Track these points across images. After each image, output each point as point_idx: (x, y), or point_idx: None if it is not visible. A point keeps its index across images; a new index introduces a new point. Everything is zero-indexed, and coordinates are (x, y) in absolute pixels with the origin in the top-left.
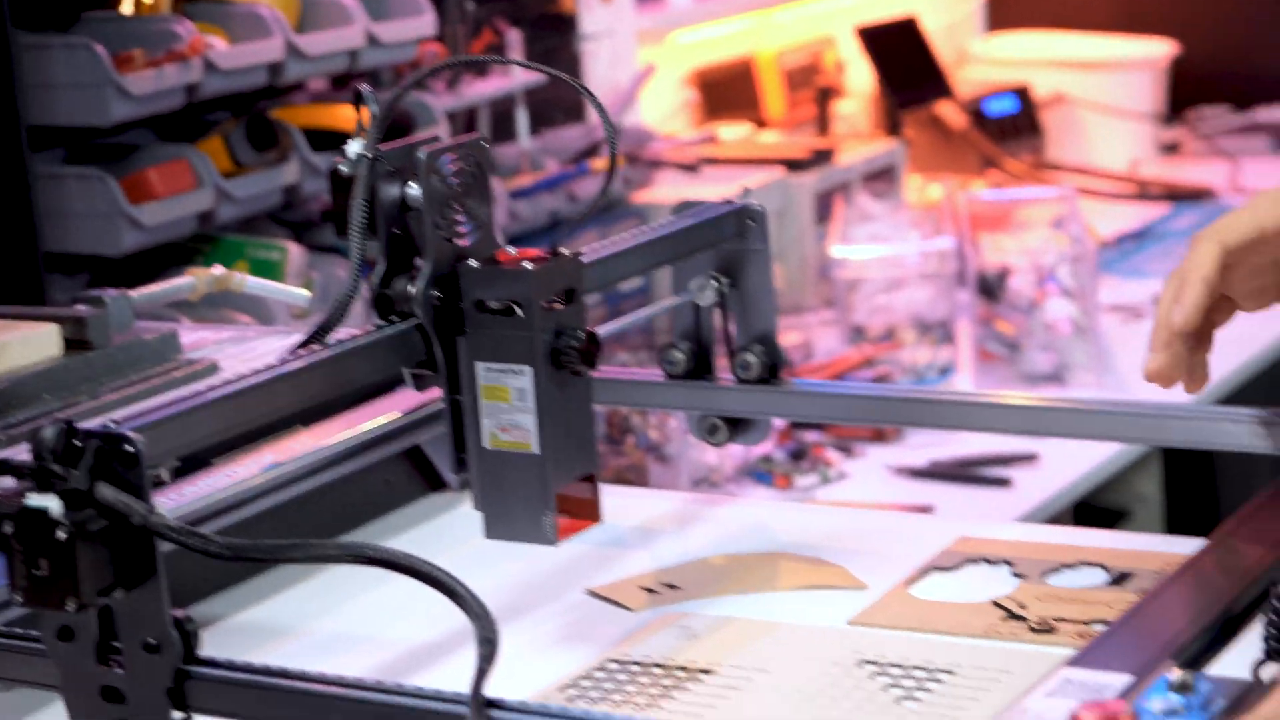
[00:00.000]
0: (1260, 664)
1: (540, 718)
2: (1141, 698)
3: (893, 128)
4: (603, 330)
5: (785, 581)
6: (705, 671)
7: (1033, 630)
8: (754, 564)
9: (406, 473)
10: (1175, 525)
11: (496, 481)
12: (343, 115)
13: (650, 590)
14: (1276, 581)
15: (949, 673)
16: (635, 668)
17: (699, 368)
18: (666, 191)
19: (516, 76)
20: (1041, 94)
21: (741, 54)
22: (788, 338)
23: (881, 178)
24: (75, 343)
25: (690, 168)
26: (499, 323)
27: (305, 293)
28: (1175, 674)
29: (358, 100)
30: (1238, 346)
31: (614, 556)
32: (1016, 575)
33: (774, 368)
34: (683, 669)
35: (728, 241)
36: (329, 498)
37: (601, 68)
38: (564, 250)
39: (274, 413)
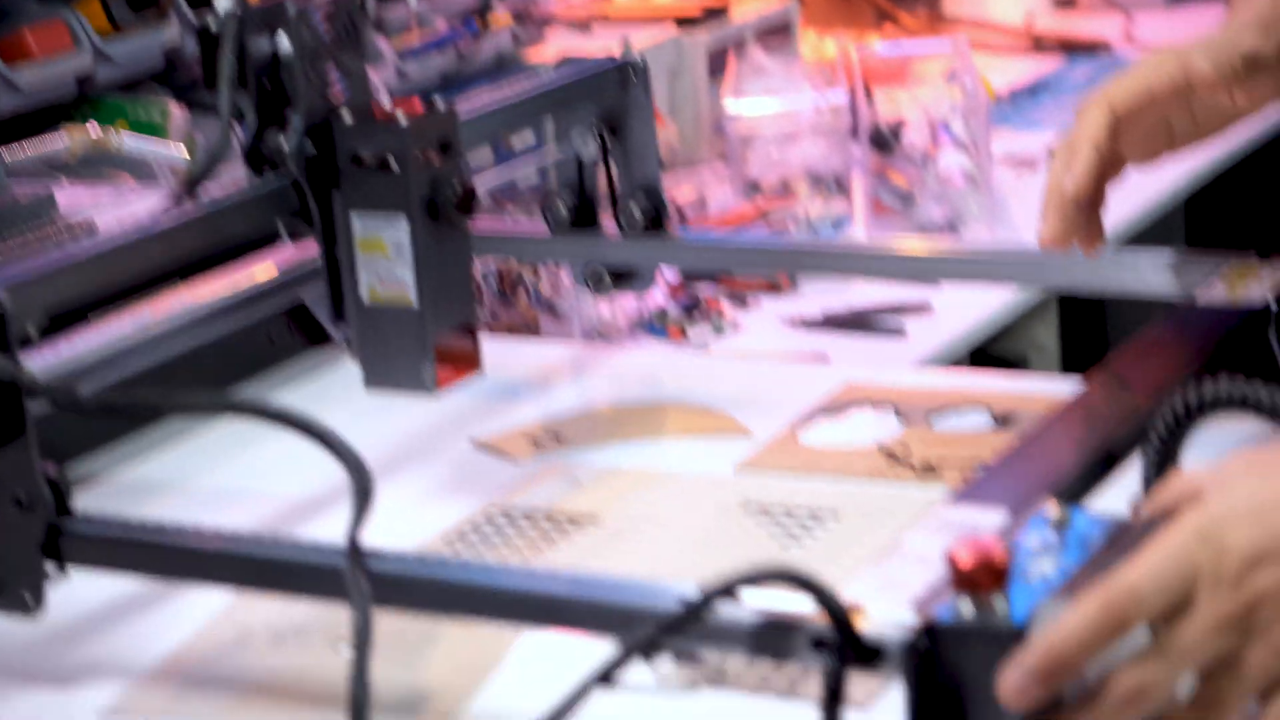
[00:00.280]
0: (1138, 501)
1: (415, 566)
2: (1019, 534)
3: None
4: (481, 183)
5: (672, 430)
6: (590, 520)
7: (917, 472)
8: (641, 413)
9: (291, 329)
10: (1071, 374)
11: (375, 333)
12: None
13: (536, 441)
14: (1156, 419)
15: (834, 516)
16: (520, 517)
17: (583, 219)
18: (558, 49)
19: None
20: None
21: None
22: (681, 192)
23: (776, 34)
24: None
25: (582, 25)
26: (374, 176)
27: (185, 153)
28: (1053, 511)
29: None
30: (1129, 194)
31: (501, 408)
32: (902, 419)
33: (657, 218)
34: (568, 518)
35: (610, 95)
36: (212, 355)
37: None
38: (439, 103)
39: (148, 270)
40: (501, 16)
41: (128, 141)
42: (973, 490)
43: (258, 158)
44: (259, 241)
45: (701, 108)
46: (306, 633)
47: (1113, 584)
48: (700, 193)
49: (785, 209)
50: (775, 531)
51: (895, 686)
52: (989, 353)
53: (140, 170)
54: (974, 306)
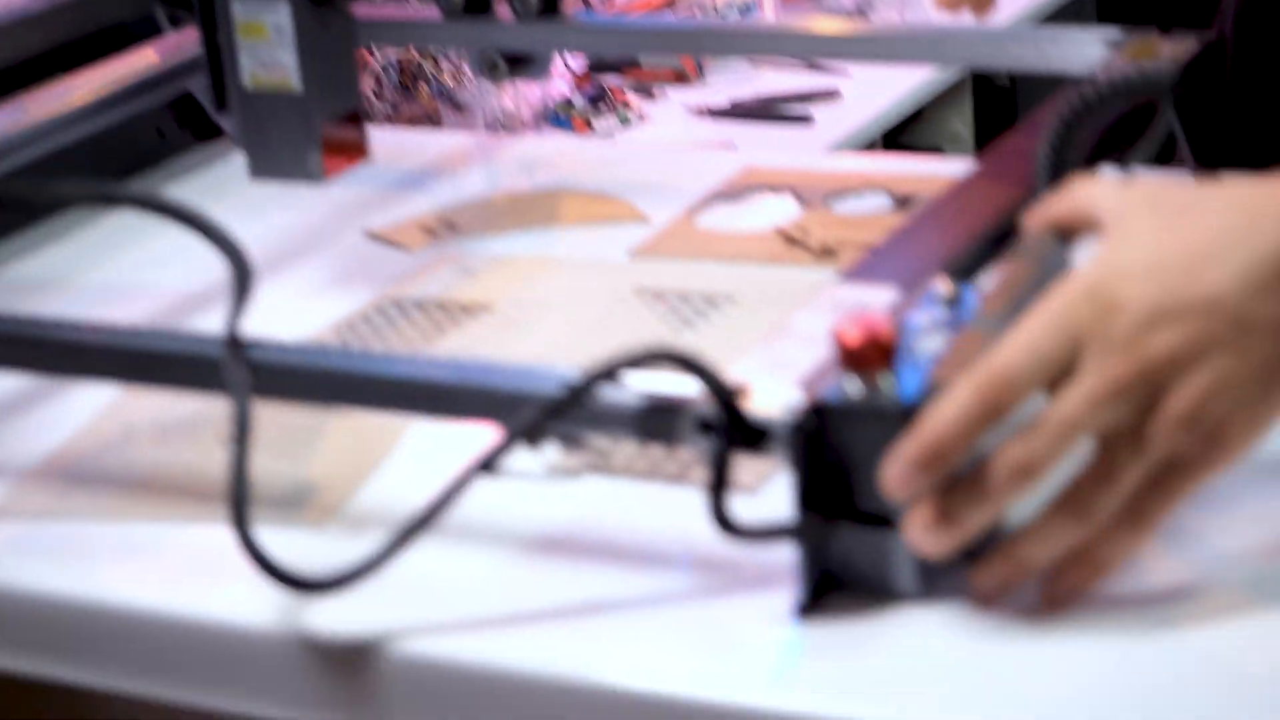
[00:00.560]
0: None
1: (295, 356)
2: (908, 312)
3: None
4: None
5: (567, 217)
6: (483, 309)
7: (814, 255)
8: (537, 201)
9: (179, 122)
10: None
11: (259, 121)
12: None
13: (430, 230)
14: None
15: (729, 299)
16: (412, 307)
17: (475, 4)
18: None
19: None
20: None
21: None
22: None
23: None
24: None
25: None
26: None
27: None
28: (944, 288)
29: None
30: None
31: (395, 198)
32: (801, 203)
33: (553, 1)
34: (460, 307)
35: None
36: (98, 150)
37: None
38: None
39: (17, 57)
40: None
41: None
42: (863, 269)
43: None
44: (140, 31)
45: None
46: (193, 428)
47: (986, 362)
48: None
49: None
50: (670, 317)
51: (784, 471)
52: (904, 145)
53: None
54: (882, 94)
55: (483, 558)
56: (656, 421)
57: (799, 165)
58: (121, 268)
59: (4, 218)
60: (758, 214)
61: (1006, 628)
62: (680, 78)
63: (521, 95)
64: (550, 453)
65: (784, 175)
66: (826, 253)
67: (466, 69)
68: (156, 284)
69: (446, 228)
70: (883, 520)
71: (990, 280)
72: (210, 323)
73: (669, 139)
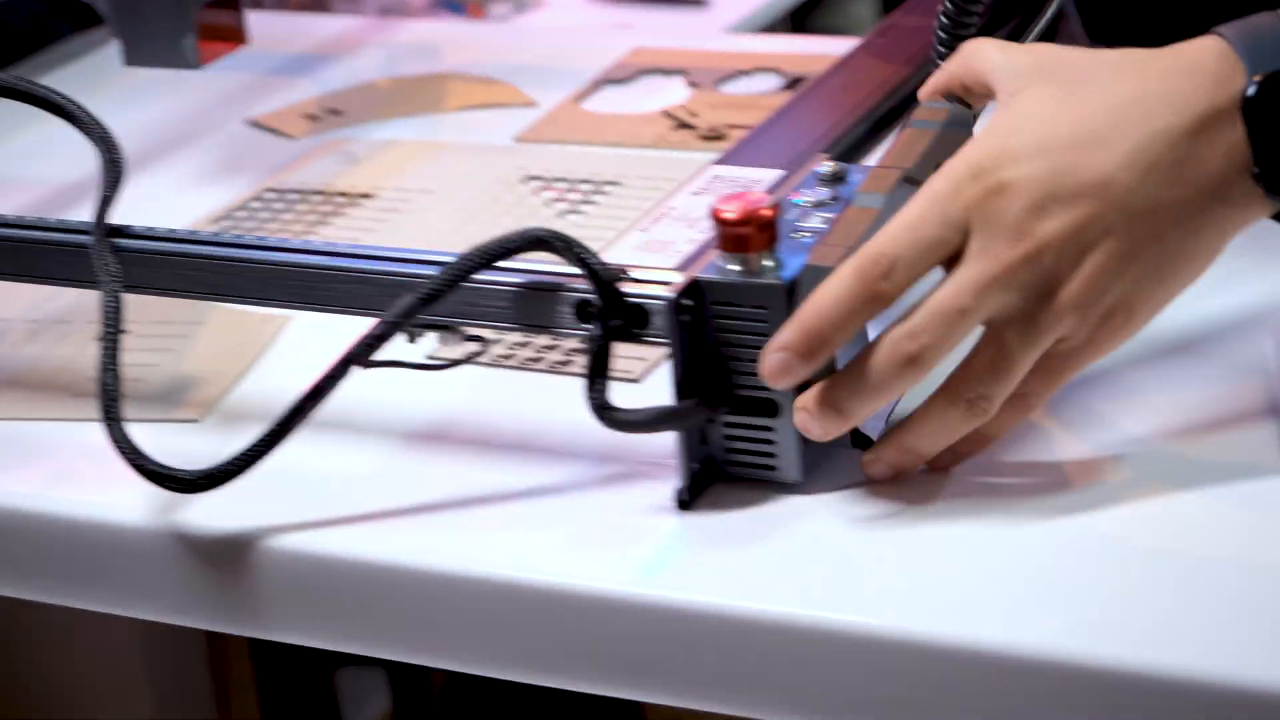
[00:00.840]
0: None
1: (166, 244)
2: (792, 190)
3: None
4: None
5: (452, 102)
6: (365, 196)
7: (702, 138)
8: (420, 85)
9: (57, 10)
10: None
11: (133, 6)
12: None
13: (312, 117)
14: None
15: (615, 184)
16: (293, 195)
17: None
18: None
19: None
20: None
21: None
22: None
23: None
24: None
25: None
26: None
27: None
28: (827, 167)
29: None
30: None
31: (277, 85)
32: (691, 84)
33: None
34: (342, 194)
35: None
36: None
37: None
38: None
39: None
40: None
41: None
42: (743, 149)
43: None
44: None
45: None
46: (67, 323)
47: (867, 246)
48: None
49: None
50: (555, 201)
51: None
52: (808, 30)
53: None
54: None
55: (362, 451)
56: (534, 307)
57: (689, 46)
58: None
59: None
60: (646, 97)
61: (893, 516)
62: None
63: None
64: (430, 343)
65: (674, 56)
66: (715, 136)
67: None
68: (30, 176)
69: (330, 114)
70: (766, 407)
71: (882, 152)
72: (85, 216)
73: (563, 23)
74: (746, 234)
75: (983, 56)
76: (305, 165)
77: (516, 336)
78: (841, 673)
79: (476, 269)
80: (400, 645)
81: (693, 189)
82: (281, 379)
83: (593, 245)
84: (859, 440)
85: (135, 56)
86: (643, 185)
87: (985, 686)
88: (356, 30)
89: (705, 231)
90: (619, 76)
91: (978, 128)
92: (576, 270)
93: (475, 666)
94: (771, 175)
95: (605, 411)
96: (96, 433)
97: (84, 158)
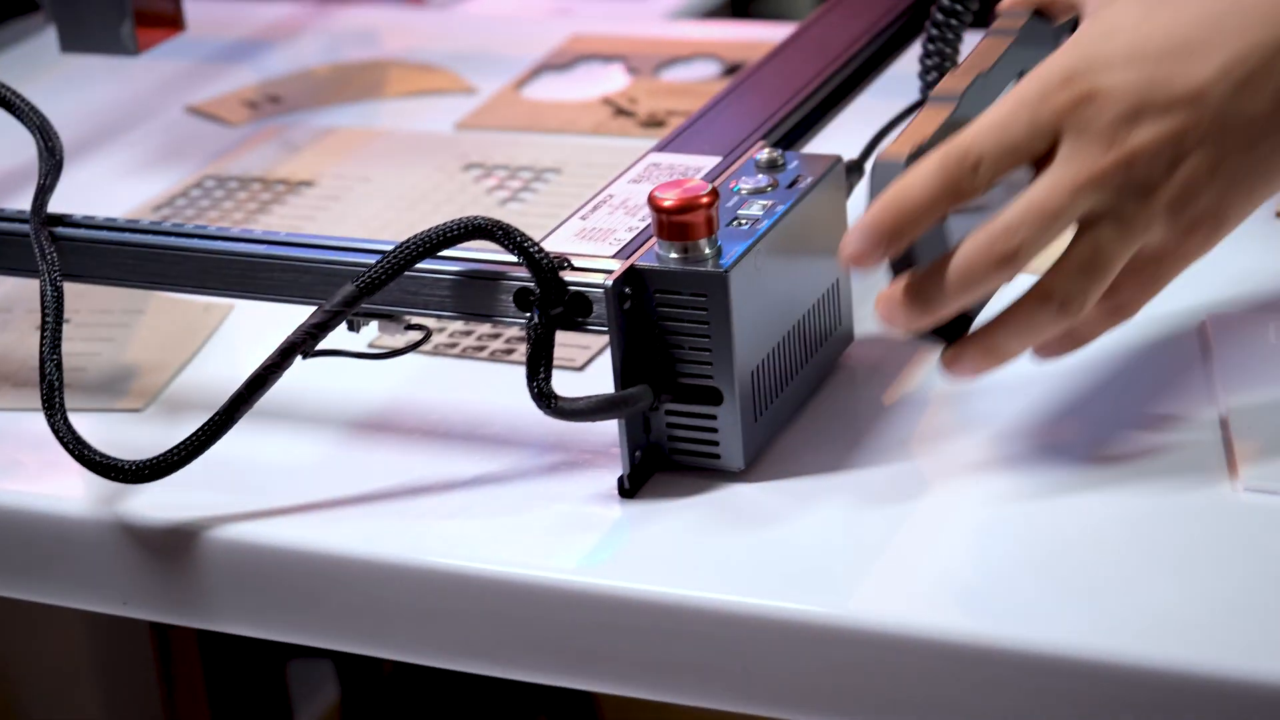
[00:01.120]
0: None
1: (105, 232)
2: (731, 177)
3: None
4: None
5: (392, 88)
6: (305, 183)
7: (642, 124)
8: (359, 72)
9: None
10: None
11: None
12: None
13: (252, 104)
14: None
15: (555, 171)
16: (233, 183)
17: None
18: None
19: None
20: None
21: None
22: None
23: None
24: None
25: None
26: None
27: None
28: (765, 153)
29: None
30: None
31: (215, 71)
32: (630, 71)
33: None
34: (282, 181)
35: None
36: None
37: None
38: None
39: None
40: None
41: None
42: (683, 136)
43: None
44: None
45: None
46: (7, 311)
47: (954, 141)
48: None
49: None
50: (495, 190)
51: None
52: (749, 15)
53: None
54: None
55: (306, 440)
56: (476, 295)
57: (628, 33)
58: None
59: None
60: (585, 83)
61: (837, 503)
62: None
63: None
64: (372, 331)
65: (613, 43)
66: (654, 122)
67: None
68: None
69: (269, 101)
70: (708, 395)
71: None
72: (24, 205)
73: (503, 9)
74: (686, 221)
75: None
76: (245, 152)
77: (459, 325)
78: (786, 660)
79: (418, 258)
80: (347, 636)
81: (631, 176)
82: (223, 368)
83: (533, 233)
84: (941, 333)
85: (72, 43)
86: (583, 172)
87: (929, 672)
88: (295, 16)
89: (645, 219)
90: (558, 63)
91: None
92: (517, 259)
93: (422, 657)
94: (710, 162)
95: (547, 400)
96: (39, 422)
97: (21, 146)
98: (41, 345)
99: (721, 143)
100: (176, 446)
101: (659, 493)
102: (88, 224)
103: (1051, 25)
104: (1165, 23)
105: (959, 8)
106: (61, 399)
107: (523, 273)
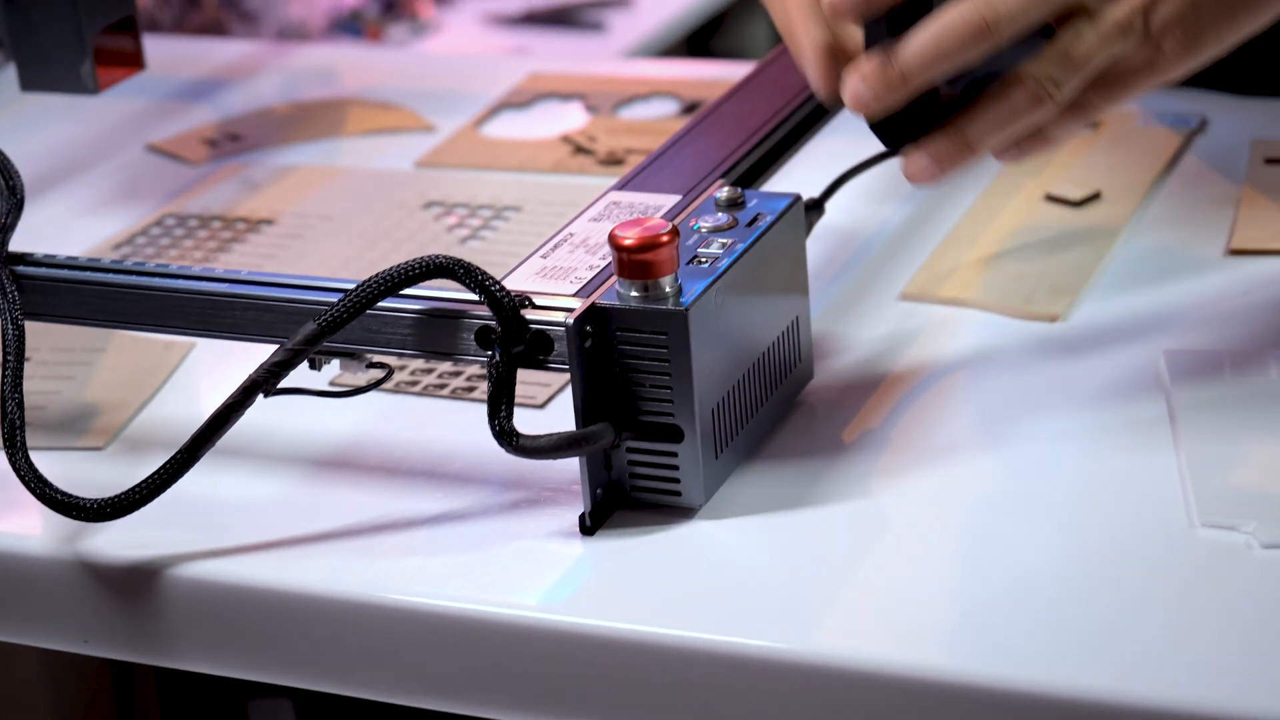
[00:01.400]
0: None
1: (66, 271)
2: (691, 215)
3: None
4: None
5: (351, 126)
6: (266, 221)
7: (601, 163)
8: (320, 110)
9: None
10: None
11: (29, 30)
12: None
13: (211, 142)
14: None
15: (515, 209)
16: (194, 221)
17: None
18: None
19: None
20: None
21: None
22: None
23: None
24: None
25: None
26: None
27: None
28: (725, 191)
29: None
30: None
31: (175, 109)
32: (589, 109)
33: None
34: (243, 219)
35: None
36: None
37: None
38: None
39: None
40: None
41: None
42: (643, 174)
43: None
44: None
45: None
46: None
47: None
48: None
49: None
50: (455, 228)
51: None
52: (710, 53)
53: None
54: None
55: (267, 478)
56: (437, 334)
57: (587, 71)
58: None
59: None
60: (545, 122)
61: (795, 539)
62: None
63: (312, 3)
64: (334, 370)
65: (572, 81)
66: (613, 160)
67: None
68: None
69: (228, 139)
70: (669, 433)
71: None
72: None
73: (462, 47)
74: (646, 260)
75: None
76: (205, 190)
77: (420, 363)
78: (747, 695)
79: (379, 296)
80: (307, 674)
81: (592, 215)
82: (185, 406)
83: (494, 271)
84: (893, 136)
85: (32, 81)
86: (542, 211)
87: (888, 706)
88: (255, 55)
89: (606, 257)
90: (517, 101)
91: None
92: (478, 297)
93: (382, 694)
94: (670, 200)
95: (509, 438)
96: None
97: None
98: (3, 383)
99: (681, 181)
100: (138, 485)
101: (620, 530)
102: (49, 263)
103: None
104: None
105: None
106: (23, 437)
107: (484, 311)
